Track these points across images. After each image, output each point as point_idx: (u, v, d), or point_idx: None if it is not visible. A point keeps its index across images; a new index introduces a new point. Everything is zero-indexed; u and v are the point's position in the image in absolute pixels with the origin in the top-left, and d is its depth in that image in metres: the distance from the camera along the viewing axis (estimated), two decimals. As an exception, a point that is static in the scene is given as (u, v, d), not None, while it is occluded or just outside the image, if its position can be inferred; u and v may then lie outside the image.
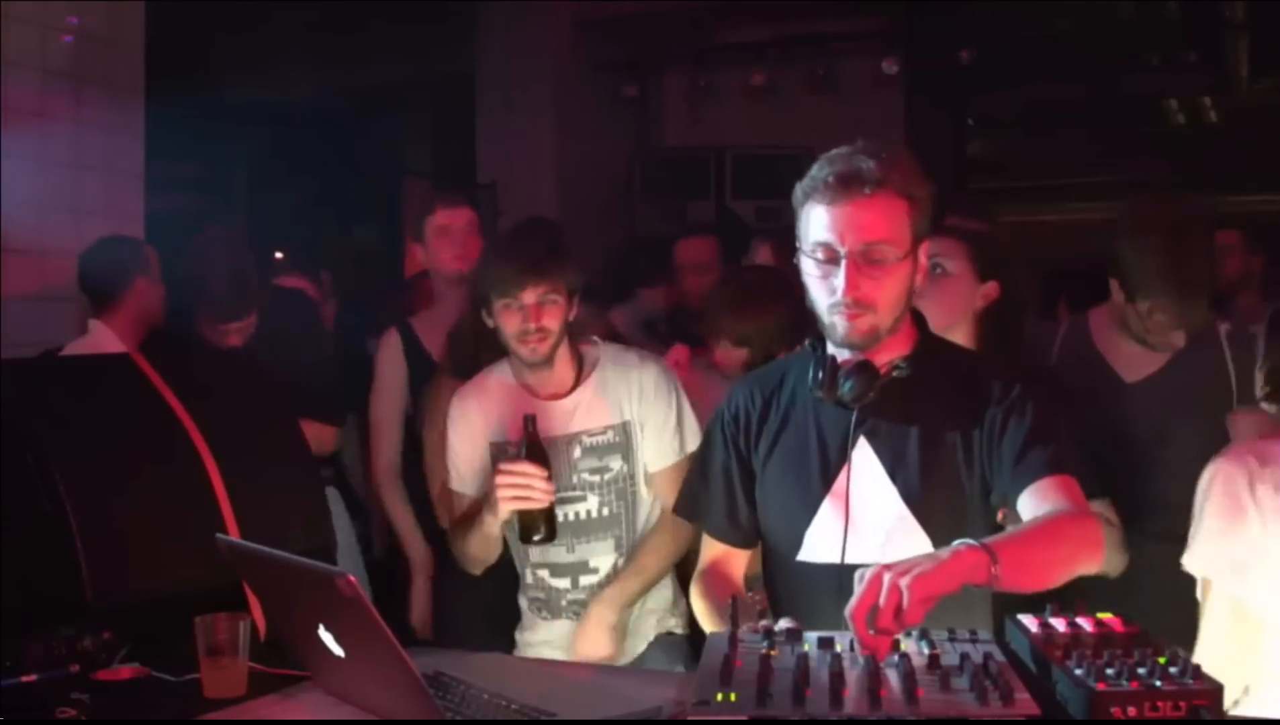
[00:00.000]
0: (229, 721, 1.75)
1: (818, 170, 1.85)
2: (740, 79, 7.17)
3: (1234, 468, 1.95)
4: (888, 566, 1.49)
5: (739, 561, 2.10)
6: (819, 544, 1.92)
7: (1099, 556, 1.75)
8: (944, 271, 2.41)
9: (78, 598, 1.95)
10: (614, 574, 2.48)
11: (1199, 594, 2.02)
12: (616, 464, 2.48)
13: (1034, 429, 1.84)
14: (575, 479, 2.47)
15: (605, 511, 2.48)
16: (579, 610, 2.49)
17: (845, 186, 1.80)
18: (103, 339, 3.21)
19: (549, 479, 2.26)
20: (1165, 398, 2.61)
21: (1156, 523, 2.54)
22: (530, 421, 2.32)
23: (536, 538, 2.32)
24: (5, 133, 3.89)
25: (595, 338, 2.61)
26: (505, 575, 2.67)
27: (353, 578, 1.48)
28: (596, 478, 2.47)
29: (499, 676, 1.82)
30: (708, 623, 2.00)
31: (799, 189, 1.88)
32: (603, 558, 2.49)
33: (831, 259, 1.82)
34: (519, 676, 1.87)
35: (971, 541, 1.58)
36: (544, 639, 2.55)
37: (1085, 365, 2.70)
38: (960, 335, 2.39)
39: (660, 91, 7.80)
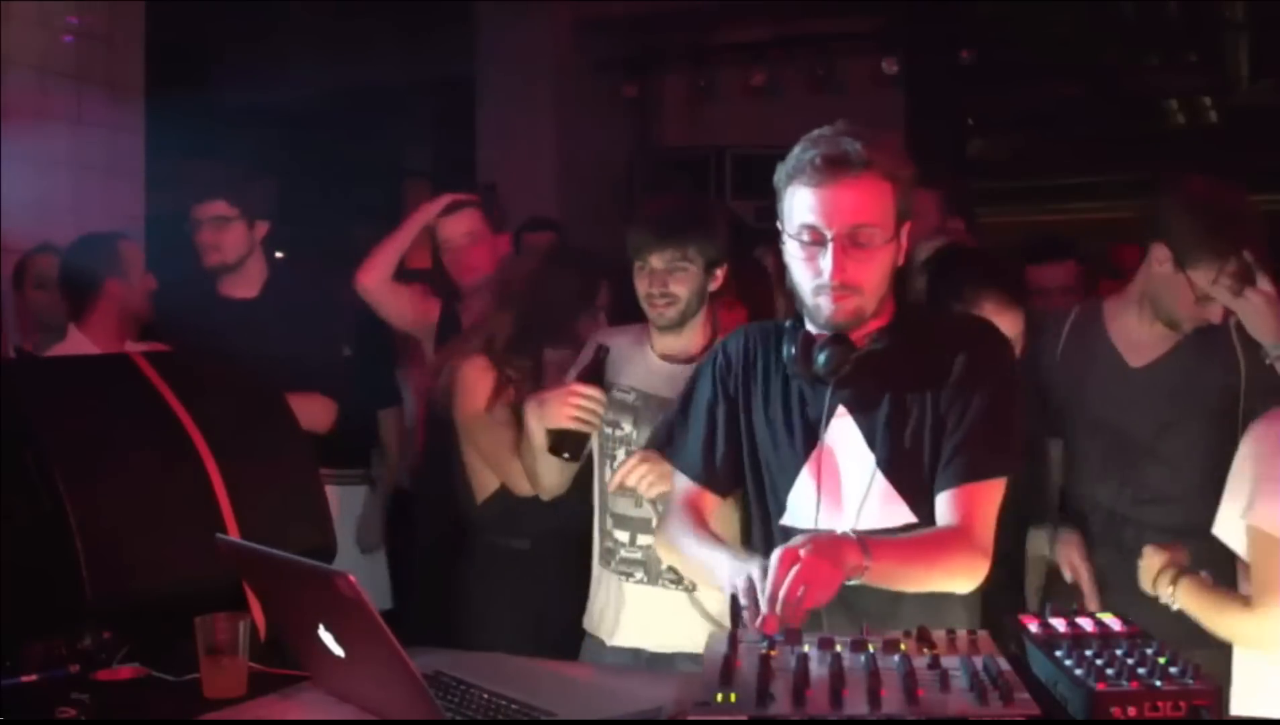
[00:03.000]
0: (229, 721, 1.75)
1: (801, 151, 1.84)
2: (740, 79, 7.16)
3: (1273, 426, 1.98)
4: (791, 553, 1.61)
5: (711, 507, 2.07)
6: (799, 509, 1.95)
7: (969, 584, 1.85)
8: None
9: (78, 598, 1.95)
10: None
11: (1245, 553, 2.04)
12: None
13: (974, 426, 1.87)
14: None
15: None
16: (632, 571, 2.51)
17: (832, 168, 1.80)
18: (75, 346, 3.18)
19: (603, 406, 2.46)
20: (1169, 384, 2.59)
21: (1155, 514, 2.54)
22: (602, 351, 2.47)
23: (566, 455, 2.49)
24: (5, 133, 3.89)
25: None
26: (537, 577, 2.76)
27: (352, 577, 1.48)
28: None
29: (499, 676, 1.82)
30: (683, 560, 2.02)
31: (782, 170, 1.87)
32: None
33: (817, 241, 1.82)
34: (519, 676, 1.87)
35: (850, 537, 1.70)
36: (601, 600, 2.57)
37: (1093, 349, 2.69)
38: None
39: (660, 91, 7.79)
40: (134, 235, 4.23)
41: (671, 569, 2.49)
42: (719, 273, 2.50)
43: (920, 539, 1.85)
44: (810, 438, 1.94)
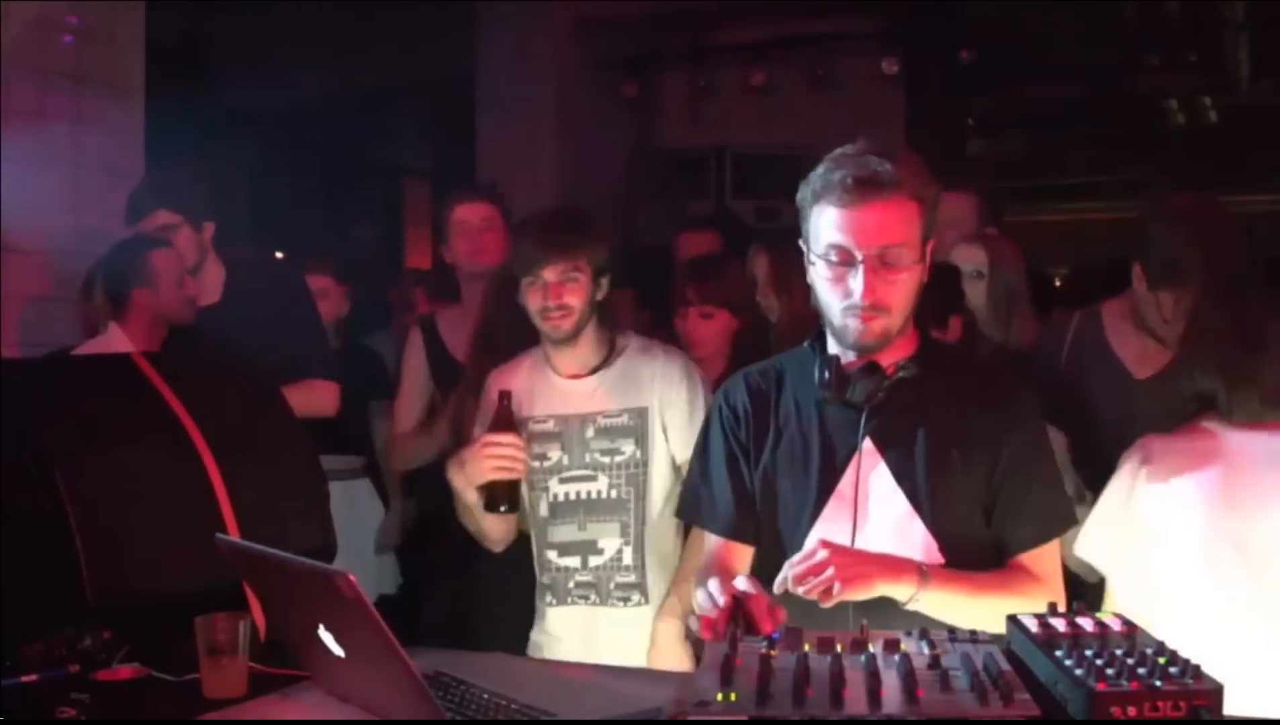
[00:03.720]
0: (229, 721, 1.74)
1: (828, 171, 1.83)
2: (740, 79, 7.16)
3: (1129, 460, 2.02)
4: (831, 548, 1.71)
5: (743, 559, 2.05)
6: None
7: None
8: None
9: (78, 598, 1.95)
10: (618, 558, 2.50)
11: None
12: (629, 448, 2.51)
13: (1032, 495, 1.90)
14: (587, 458, 2.52)
15: (614, 493, 2.51)
16: (587, 594, 2.51)
17: (861, 189, 1.79)
18: (113, 341, 3.19)
19: (523, 449, 2.44)
20: (1174, 394, 2.59)
21: None
22: (505, 397, 2.46)
23: (503, 508, 2.47)
24: (5, 133, 3.89)
25: (630, 332, 2.66)
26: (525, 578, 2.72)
27: (353, 577, 1.47)
28: (607, 459, 2.51)
29: (499, 676, 1.82)
30: None
31: (807, 190, 1.86)
32: (609, 539, 2.51)
33: (846, 262, 1.82)
34: (519, 676, 1.87)
35: (920, 563, 1.77)
36: (553, 631, 2.56)
37: (1097, 360, 2.69)
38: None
39: (660, 91, 7.79)
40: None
41: (621, 586, 2.51)
42: (604, 281, 2.53)
43: (983, 577, 1.86)
44: (832, 474, 1.92)
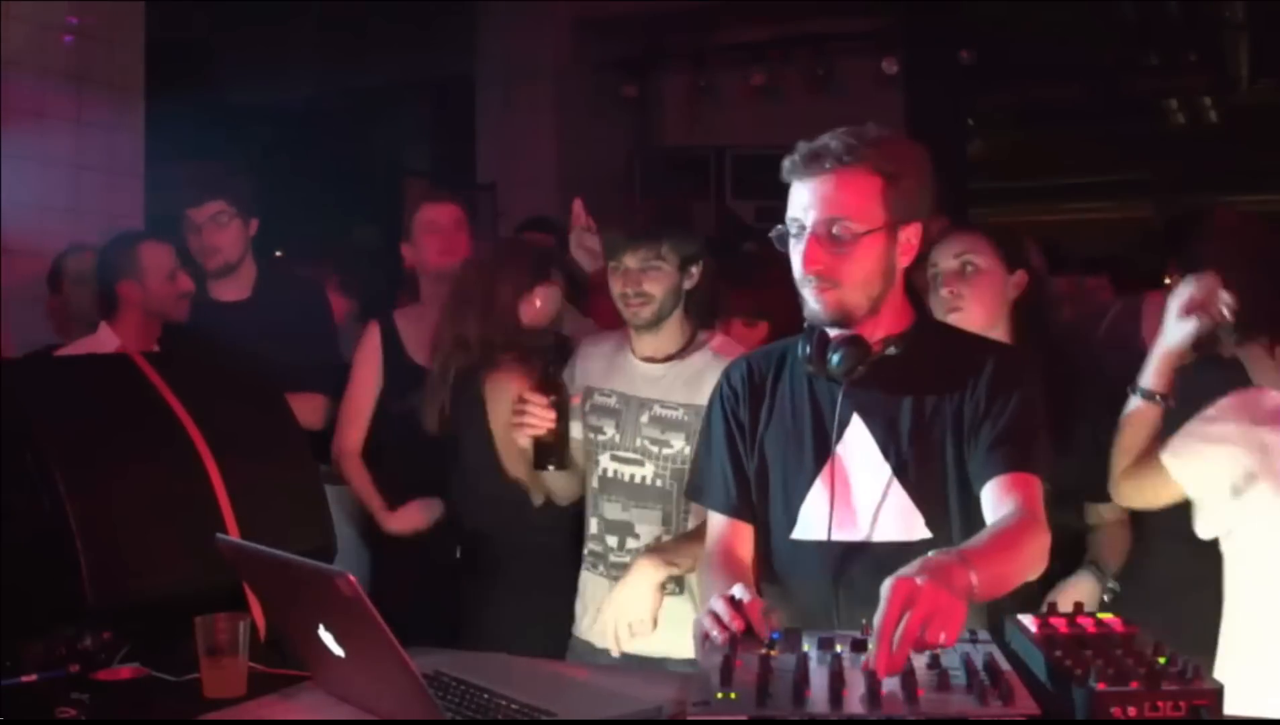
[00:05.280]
0: (229, 721, 1.75)
1: (797, 149, 1.87)
2: (740, 79, 7.18)
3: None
4: (906, 583, 1.44)
5: (746, 539, 2.03)
6: (811, 521, 1.91)
7: (1042, 568, 1.78)
8: (975, 268, 2.50)
9: (78, 598, 1.95)
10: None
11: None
12: (678, 443, 2.50)
13: (1013, 421, 1.83)
14: (637, 442, 2.52)
15: (659, 483, 2.50)
16: (619, 575, 2.47)
17: (809, 162, 1.81)
18: (103, 339, 3.18)
19: (550, 407, 2.45)
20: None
21: (1174, 521, 2.51)
22: (550, 351, 2.52)
23: (550, 466, 2.51)
24: (5, 133, 3.89)
25: (717, 329, 2.63)
26: (534, 584, 2.75)
27: (353, 577, 1.48)
28: (655, 448, 2.51)
29: (499, 676, 1.82)
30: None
31: (782, 168, 1.89)
32: (648, 527, 2.50)
33: (799, 234, 1.84)
34: (519, 676, 1.87)
35: (954, 557, 1.54)
36: (592, 599, 2.56)
37: (1132, 356, 2.66)
38: (1001, 330, 2.46)
39: (660, 91, 7.80)
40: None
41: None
42: (695, 271, 2.50)
43: (1005, 538, 1.73)
44: (822, 448, 1.91)
